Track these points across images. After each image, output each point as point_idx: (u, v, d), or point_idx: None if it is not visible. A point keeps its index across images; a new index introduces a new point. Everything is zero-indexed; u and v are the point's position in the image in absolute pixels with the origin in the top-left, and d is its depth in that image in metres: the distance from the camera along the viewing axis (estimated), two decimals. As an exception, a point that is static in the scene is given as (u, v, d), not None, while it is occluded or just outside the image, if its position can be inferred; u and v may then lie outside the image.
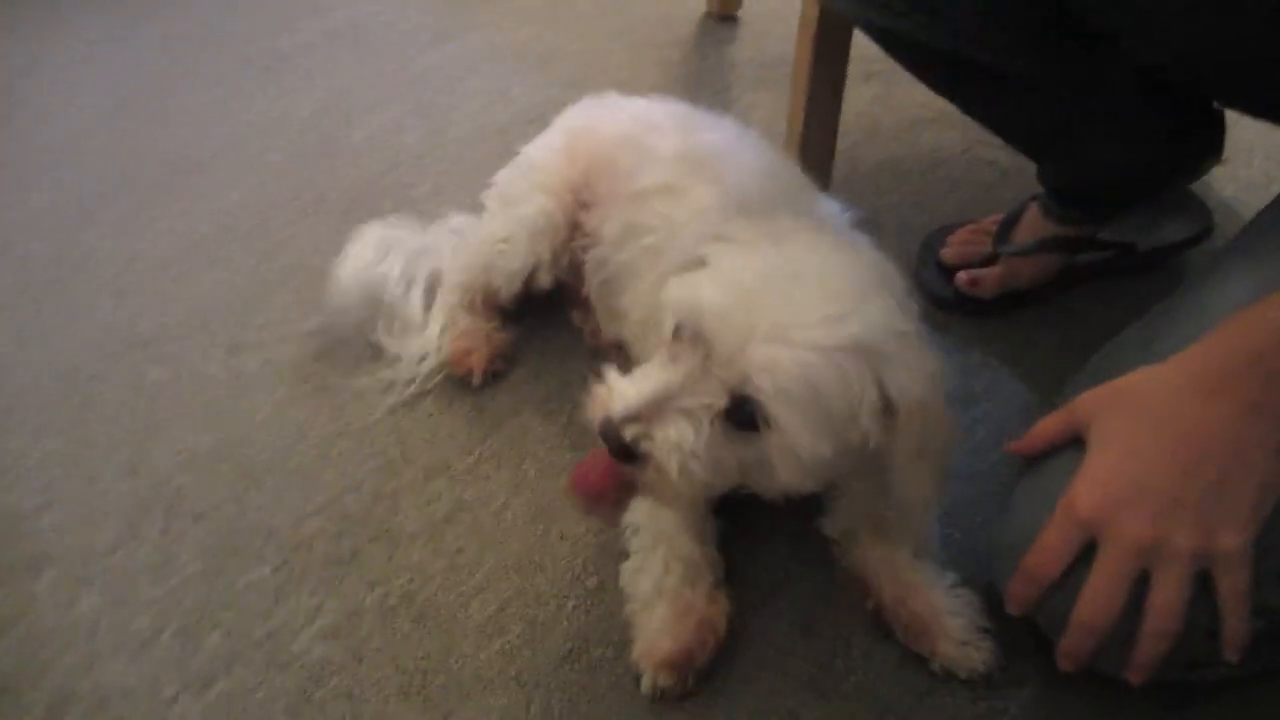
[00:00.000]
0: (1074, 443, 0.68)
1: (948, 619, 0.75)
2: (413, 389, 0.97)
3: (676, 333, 0.63)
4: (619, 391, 0.63)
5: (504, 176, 1.00)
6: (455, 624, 0.80)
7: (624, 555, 0.79)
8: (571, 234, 0.95)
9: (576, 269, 0.96)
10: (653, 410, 0.61)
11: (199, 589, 0.83)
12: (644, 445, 0.61)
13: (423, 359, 0.98)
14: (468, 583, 0.83)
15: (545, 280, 0.97)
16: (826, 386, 0.58)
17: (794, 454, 0.60)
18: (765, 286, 0.60)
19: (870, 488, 0.74)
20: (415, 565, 0.84)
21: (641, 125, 0.90)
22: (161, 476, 0.92)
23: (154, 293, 1.12)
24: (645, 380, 0.63)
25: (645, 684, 0.73)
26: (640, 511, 0.80)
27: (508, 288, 0.98)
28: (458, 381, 0.98)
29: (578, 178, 0.93)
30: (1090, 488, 0.62)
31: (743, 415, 0.60)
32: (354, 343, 1.03)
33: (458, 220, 1.08)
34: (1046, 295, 1.03)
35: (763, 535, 0.84)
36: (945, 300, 1.03)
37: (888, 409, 0.61)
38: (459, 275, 1.01)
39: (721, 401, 0.60)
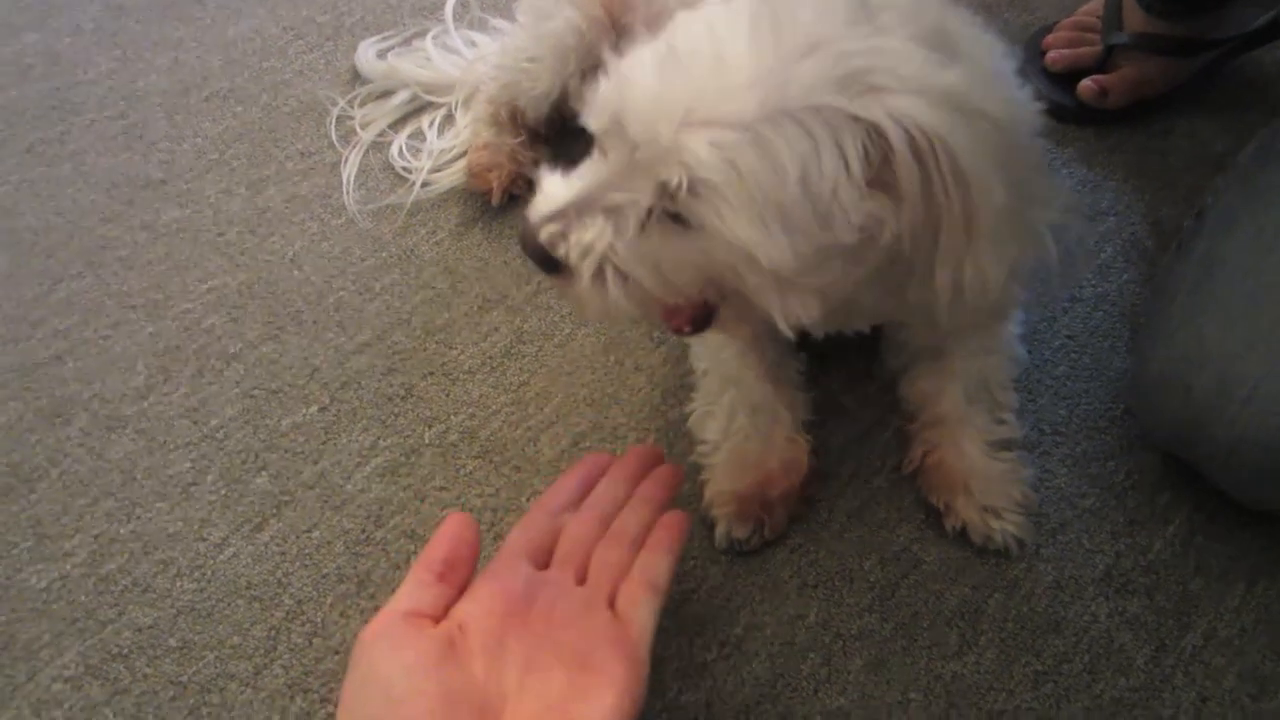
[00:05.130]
0: (1239, 246, 0.60)
1: (976, 479, 0.66)
2: (429, 191, 0.91)
3: (608, 126, 0.50)
4: (546, 192, 0.52)
5: None
6: (524, 460, 0.73)
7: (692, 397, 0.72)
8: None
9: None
10: (576, 210, 0.50)
11: (241, 431, 0.76)
12: (560, 250, 0.51)
13: (437, 170, 0.92)
14: (535, 418, 0.75)
15: (578, 105, 0.85)
16: (759, 173, 0.44)
17: (749, 258, 0.46)
18: (700, 51, 0.46)
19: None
20: (476, 401, 0.76)
21: None
22: (190, 318, 0.84)
23: (163, 131, 1.01)
24: (575, 180, 0.52)
25: (719, 534, 0.66)
26: (706, 354, 0.72)
27: (534, 111, 0.88)
28: (507, 209, 0.89)
29: None
30: None
31: (679, 209, 0.48)
32: (385, 171, 0.93)
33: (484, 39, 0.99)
34: (1180, 97, 0.91)
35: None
36: (1066, 110, 0.91)
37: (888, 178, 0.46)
38: (486, 87, 0.91)
39: (648, 197, 0.48)
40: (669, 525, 0.57)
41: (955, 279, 0.49)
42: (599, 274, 0.50)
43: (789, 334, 0.51)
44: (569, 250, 0.50)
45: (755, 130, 0.44)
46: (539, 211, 0.51)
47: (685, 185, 0.45)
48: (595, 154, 0.52)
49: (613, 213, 0.49)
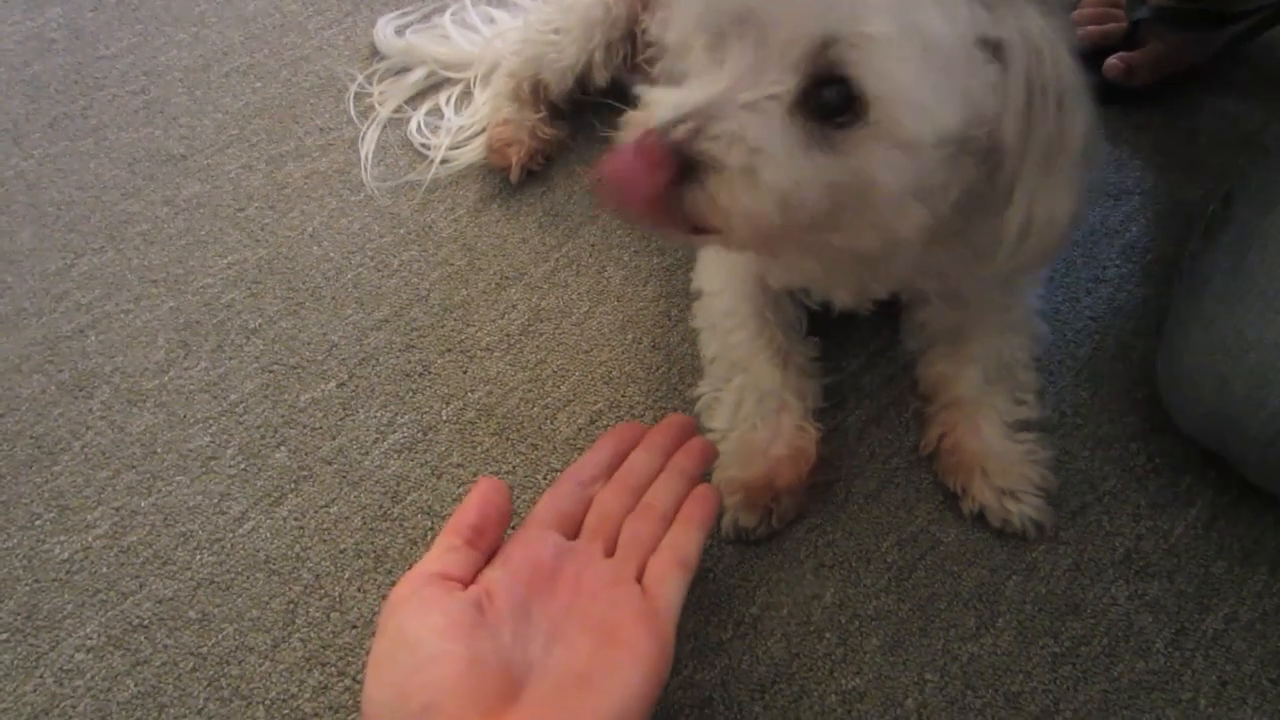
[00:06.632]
0: (1277, 230, 0.58)
1: (994, 461, 0.65)
2: (448, 168, 0.91)
3: (717, 34, 0.46)
4: (661, 101, 0.47)
5: None
6: (541, 438, 0.73)
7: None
8: (630, 27, 0.83)
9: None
10: (705, 115, 0.45)
11: (260, 406, 0.76)
12: (702, 145, 0.44)
13: (456, 148, 0.91)
14: (552, 395, 0.75)
15: (600, 79, 0.86)
16: (935, 22, 0.42)
17: (902, 139, 0.44)
18: None
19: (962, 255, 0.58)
20: (493, 378, 0.76)
21: None
22: (210, 293, 0.84)
23: (183, 106, 1.01)
24: (692, 90, 0.46)
25: (725, 523, 0.66)
26: (715, 339, 0.71)
27: (558, 84, 0.88)
28: (526, 187, 0.88)
29: None
30: None
31: (827, 101, 0.44)
32: (404, 148, 0.93)
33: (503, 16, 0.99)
34: (1208, 74, 0.89)
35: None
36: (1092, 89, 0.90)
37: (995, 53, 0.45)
38: (508, 62, 0.90)
39: (791, 84, 0.44)
40: (700, 499, 0.56)
41: (1028, 214, 0.48)
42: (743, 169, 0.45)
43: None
44: (711, 145, 0.44)
45: None
46: (663, 117, 0.45)
47: (850, 43, 0.42)
48: (707, 65, 0.47)
49: (752, 108, 0.45)
